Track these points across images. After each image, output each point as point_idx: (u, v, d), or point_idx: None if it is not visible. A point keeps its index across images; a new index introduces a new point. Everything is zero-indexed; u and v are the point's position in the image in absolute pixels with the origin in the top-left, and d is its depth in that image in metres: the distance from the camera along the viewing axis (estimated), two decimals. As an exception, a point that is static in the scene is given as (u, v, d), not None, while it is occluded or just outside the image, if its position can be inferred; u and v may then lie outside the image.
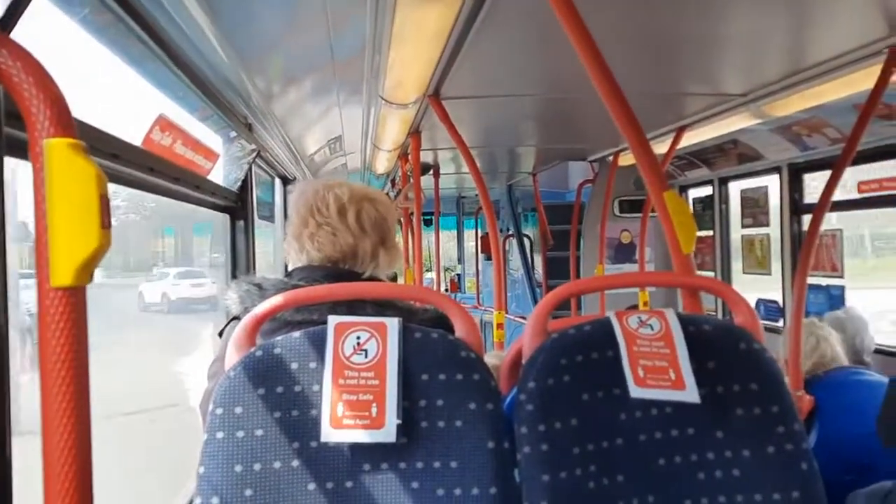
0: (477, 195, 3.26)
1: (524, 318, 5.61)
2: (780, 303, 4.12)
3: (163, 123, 1.93)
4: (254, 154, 3.00)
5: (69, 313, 0.72)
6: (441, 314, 1.33)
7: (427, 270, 9.20)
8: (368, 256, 1.53)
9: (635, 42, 2.39)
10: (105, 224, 0.74)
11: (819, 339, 2.51)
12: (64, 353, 0.72)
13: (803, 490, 1.17)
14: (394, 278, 1.73)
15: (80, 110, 1.39)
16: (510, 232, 7.92)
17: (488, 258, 8.60)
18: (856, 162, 2.63)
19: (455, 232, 10.83)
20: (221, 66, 2.23)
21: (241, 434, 1.11)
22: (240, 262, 2.96)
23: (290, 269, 1.58)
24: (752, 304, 4.37)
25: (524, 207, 7.94)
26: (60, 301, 0.72)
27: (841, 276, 3.66)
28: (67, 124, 0.74)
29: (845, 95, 2.81)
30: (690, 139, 4.01)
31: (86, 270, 0.74)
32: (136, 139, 1.81)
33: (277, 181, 4.35)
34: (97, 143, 1.47)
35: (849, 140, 2.47)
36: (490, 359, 2.12)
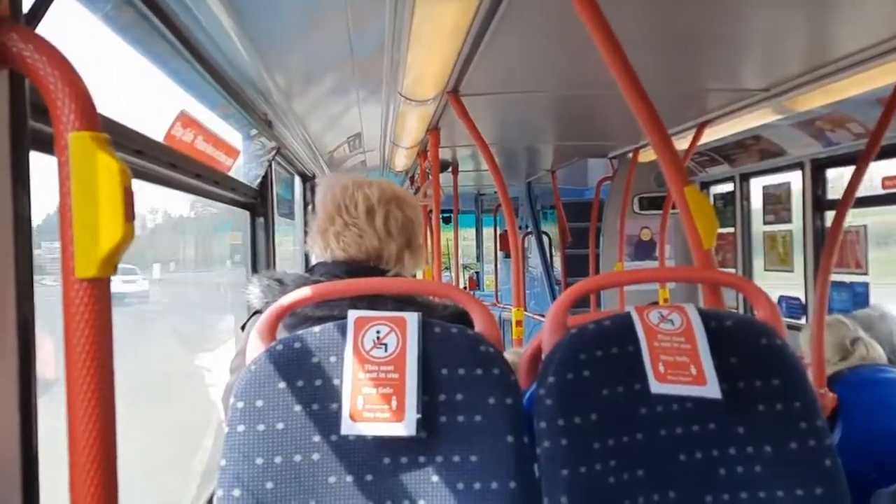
0: (496, 192, 3.26)
1: (543, 315, 5.59)
2: (803, 300, 4.07)
3: (184, 120, 1.95)
4: (274, 151, 3.02)
5: (93, 304, 0.73)
6: (461, 310, 1.33)
7: (446, 268, 9.20)
8: (393, 259, 1.53)
9: (656, 38, 2.37)
10: (129, 217, 0.75)
11: (865, 344, 2.46)
12: (88, 344, 0.73)
13: (826, 487, 1.16)
14: (414, 276, 1.74)
15: (104, 106, 1.41)
16: (529, 229, 7.90)
17: (507, 256, 8.59)
18: (880, 157, 2.59)
19: (474, 229, 10.82)
20: (242, 63, 2.25)
21: (262, 427, 1.12)
22: (259, 258, 2.99)
23: (312, 263, 1.59)
24: (775, 300, 4.33)
25: (543, 205, 7.91)
26: (85, 292, 0.73)
27: (865, 273, 3.62)
28: (92, 118, 0.75)
29: (869, 90, 2.77)
30: (712, 135, 3.98)
31: (110, 262, 0.74)
32: (158, 135, 1.83)
33: (297, 178, 4.38)
34: (120, 139, 1.48)
35: (872, 134, 2.44)
36: (509, 355, 2.12)
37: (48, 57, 0.74)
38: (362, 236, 1.51)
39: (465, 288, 10.19)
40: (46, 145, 0.80)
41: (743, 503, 1.17)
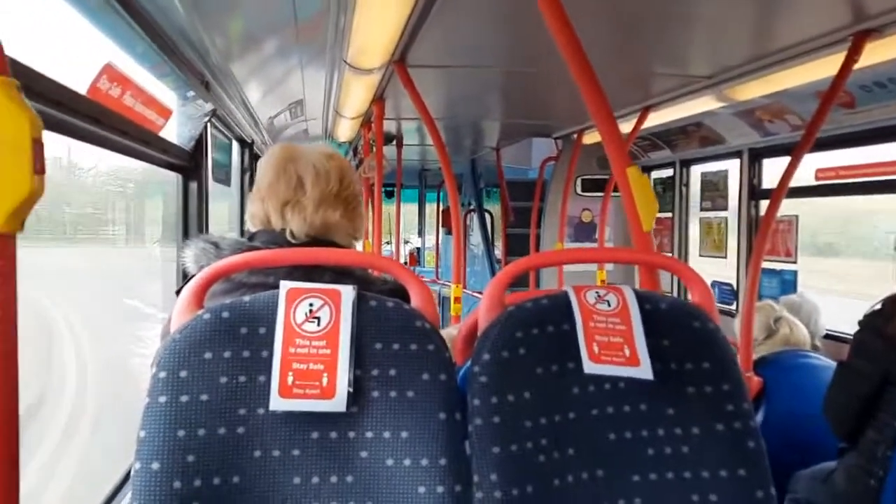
0: (440, 168, 3.24)
1: (482, 293, 5.62)
2: (735, 285, 4.19)
3: (110, 73, 1.84)
4: (210, 114, 2.91)
5: None
6: (400, 286, 1.30)
7: (387, 243, 9.15)
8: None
9: (604, 18, 2.37)
10: (38, 170, 0.69)
11: (789, 323, 2.57)
12: None
13: (749, 468, 1.18)
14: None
15: (24, 54, 1.31)
16: (472, 207, 7.90)
17: (449, 232, 8.59)
18: (815, 149, 2.66)
19: (416, 205, 10.77)
20: (178, 19, 2.14)
21: (185, 398, 1.07)
22: (191, 224, 2.88)
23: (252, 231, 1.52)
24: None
25: (487, 182, 7.92)
26: None
27: (794, 262, 3.73)
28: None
29: (807, 82, 2.84)
30: (655, 120, 4.03)
31: (16, 217, 0.69)
32: (81, 88, 1.72)
33: (235, 144, 4.24)
34: (38, 88, 1.39)
35: (808, 127, 2.49)
36: (451, 330, 2.10)
37: None
38: (303, 211, 1.46)
39: (405, 264, 10.17)
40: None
41: (669, 483, 1.18)
